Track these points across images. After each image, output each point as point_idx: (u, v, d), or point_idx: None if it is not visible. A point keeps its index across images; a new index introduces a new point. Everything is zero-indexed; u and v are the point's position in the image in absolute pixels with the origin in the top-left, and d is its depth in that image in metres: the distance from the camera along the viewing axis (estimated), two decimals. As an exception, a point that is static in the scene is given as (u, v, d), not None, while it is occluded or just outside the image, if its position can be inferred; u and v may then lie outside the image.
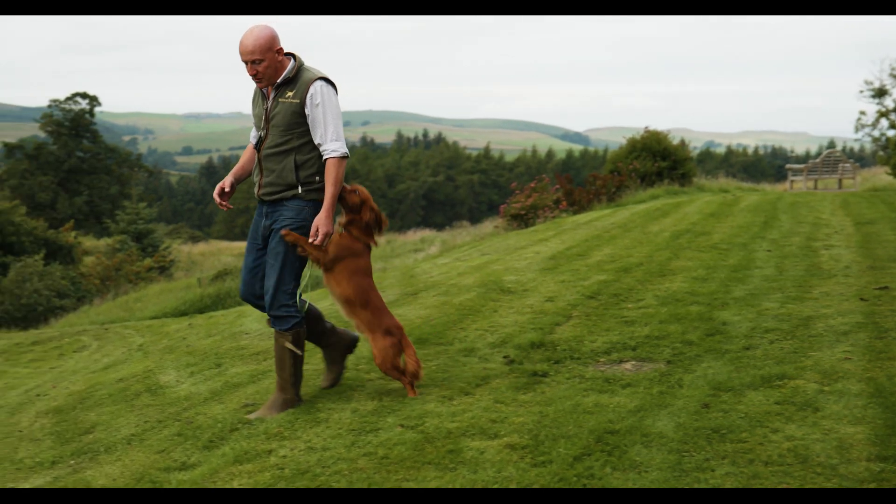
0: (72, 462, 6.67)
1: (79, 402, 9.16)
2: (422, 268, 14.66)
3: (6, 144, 74.01)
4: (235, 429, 6.32)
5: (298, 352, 6.73)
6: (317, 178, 6.65)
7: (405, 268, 16.70)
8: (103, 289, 38.62)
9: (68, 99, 74.83)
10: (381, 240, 35.14)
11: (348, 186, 6.71)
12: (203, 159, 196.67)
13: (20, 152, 72.57)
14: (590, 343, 7.73)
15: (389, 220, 7.67)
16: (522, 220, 22.94)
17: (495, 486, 4.79)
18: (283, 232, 6.52)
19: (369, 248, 6.88)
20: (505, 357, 7.44)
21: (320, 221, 6.47)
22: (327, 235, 6.50)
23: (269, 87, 6.66)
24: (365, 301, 6.69)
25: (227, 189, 6.86)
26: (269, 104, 6.65)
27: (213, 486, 5.12)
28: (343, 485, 4.91)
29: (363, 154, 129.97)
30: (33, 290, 33.75)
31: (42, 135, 75.90)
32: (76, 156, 73.23)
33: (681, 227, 14.65)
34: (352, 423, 6.03)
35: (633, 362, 7.10)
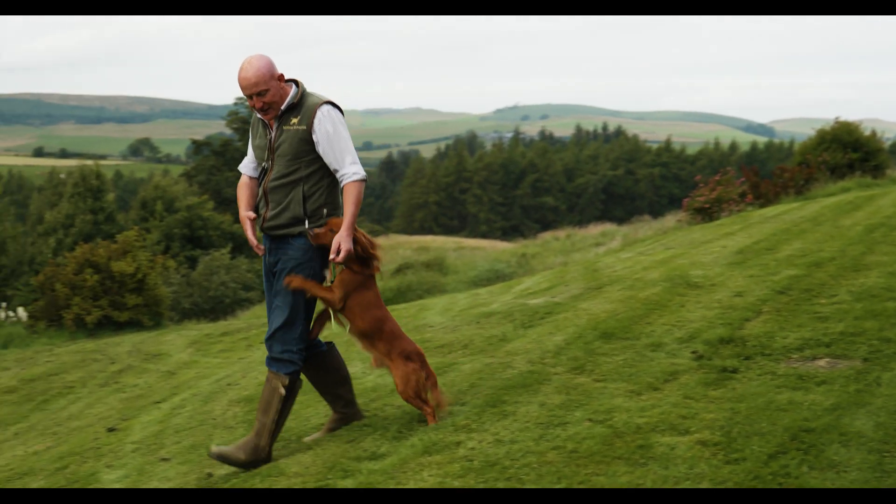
0: (265, 450, 6.83)
1: (269, 392, 9.37)
2: (604, 262, 14.53)
3: (194, 141, 76.45)
4: (423, 421, 6.37)
5: (289, 399, 6.50)
6: (324, 210, 6.44)
7: (587, 262, 16.60)
8: (288, 282, 39.49)
9: (253, 97, 76.74)
10: (560, 234, 34.89)
11: (321, 230, 6.33)
12: (383, 154, 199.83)
13: (207, 149, 74.77)
14: (781, 339, 7.52)
15: (569, 213, 7.47)
16: (706, 213, 22.51)
17: (687, 483, 4.70)
18: (285, 280, 6.31)
19: (373, 278, 6.61)
20: (693, 352, 7.30)
21: (341, 238, 6.21)
22: (349, 252, 6.24)
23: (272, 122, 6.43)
24: (380, 331, 6.49)
25: (252, 218, 6.58)
26: (273, 134, 6.39)
27: (403, 477, 5.16)
28: (532, 478, 4.88)
29: (542, 148, 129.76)
30: (220, 282, 34.69)
31: (228, 131, 78.07)
32: (261, 152, 75.10)
33: (875, 221, 14.13)
34: (539, 416, 6.00)
35: (828, 359, 6.87)
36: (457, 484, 4.85)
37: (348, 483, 5.18)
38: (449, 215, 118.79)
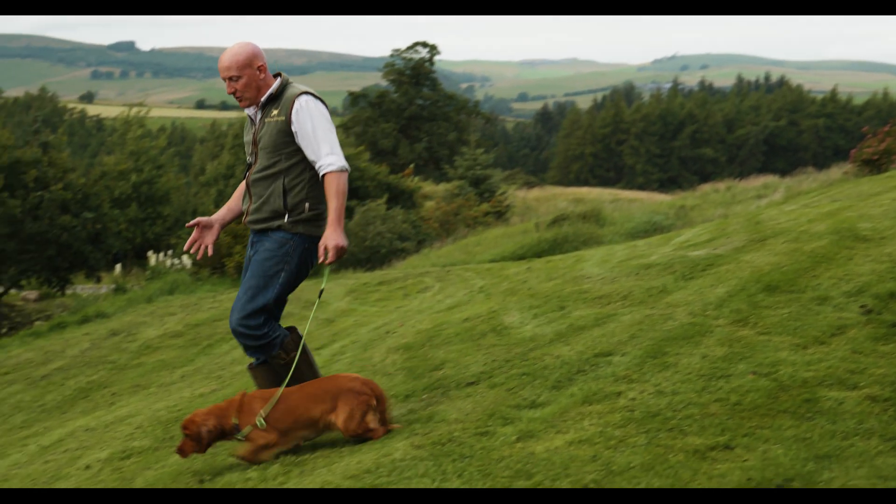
0: (424, 396, 6.89)
1: (427, 340, 9.45)
2: (767, 214, 14.19)
3: (351, 93, 77.43)
4: (582, 370, 6.33)
5: (298, 356, 6.37)
6: (306, 205, 6.26)
7: (749, 214, 16.25)
8: (442, 232, 39.77)
9: (409, 48, 77.19)
10: (720, 186, 34.15)
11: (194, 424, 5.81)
12: (538, 105, 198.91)
13: (364, 101, 75.64)
14: (955, 294, 7.24)
15: (728, 165, 7.21)
16: (875, 165, 21.77)
17: (856, 438, 4.57)
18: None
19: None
20: (862, 307, 7.07)
21: (328, 238, 5.97)
22: (341, 250, 5.97)
23: (257, 110, 6.37)
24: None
25: (205, 225, 6.53)
26: (256, 127, 6.36)
27: (564, 426, 5.13)
28: (694, 429, 4.80)
29: (701, 99, 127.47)
30: (377, 232, 35.07)
31: (384, 83, 78.74)
32: (416, 103, 75.50)
33: None
34: (701, 368, 5.90)
35: None
36: (618, 434, 4.80)
37: (508, 431, 5.18)
38: (605, 167, 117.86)
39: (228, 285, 26.80)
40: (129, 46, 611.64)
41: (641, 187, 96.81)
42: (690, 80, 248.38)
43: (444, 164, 64.16)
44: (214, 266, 28.68)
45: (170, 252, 36.50)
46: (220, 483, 5.59)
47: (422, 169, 69.79)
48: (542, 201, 58.29)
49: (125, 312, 22.78)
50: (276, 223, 6.26)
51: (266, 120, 6.28)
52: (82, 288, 38.48)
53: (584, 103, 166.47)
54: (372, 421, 5.77)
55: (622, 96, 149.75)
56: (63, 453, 8.51)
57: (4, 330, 29.60)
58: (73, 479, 7.18)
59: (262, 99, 6.30)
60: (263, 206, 6.28)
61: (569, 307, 9.11)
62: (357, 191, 45.14)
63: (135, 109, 56.72)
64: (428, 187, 57.23)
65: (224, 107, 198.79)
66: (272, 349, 6.33)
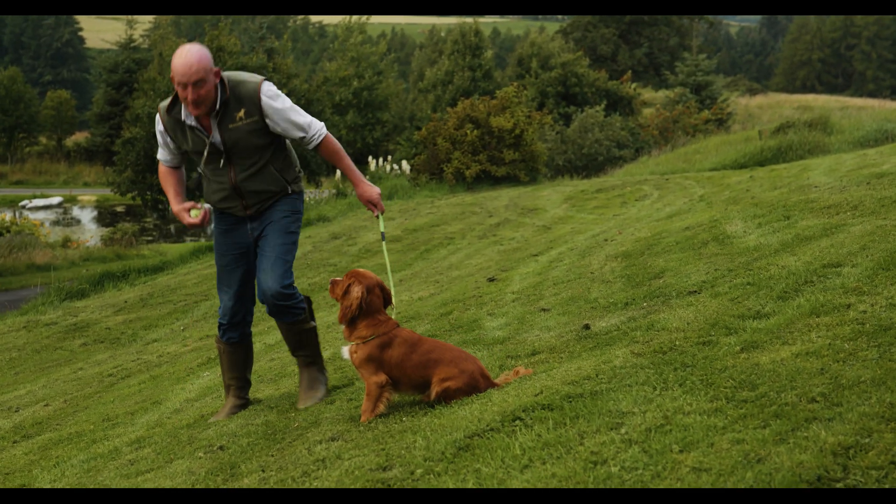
0: (644, 304, 6.82)
1: (646, 248, 9.35)
2: None
3: (572, -2, 76.54)
4: (810, 281, 6.12)
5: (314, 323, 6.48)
6: (297, 170, 6.28)
7: None
8: (661, 140, 39.17)
9: (632, -50, 75.62)
10: None
11: (339, 280, 5.49)
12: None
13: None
14: None
15: None
16: None
17: None
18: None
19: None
20: None
21: (368, 194, 6.05)
22: (380, 197, 6.10)
23: (205, 117, 5.89)
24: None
25: (188, 208, 6.08)
26: (218, 136, 5.91)
27: (790, 337, 4.99)
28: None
29: None
30: (594, 140, 34.85)
31: (604, -12, 77.45)
32: (637, 7, 74.10)
33: None
34: (938, 282, 5.62)
35: None
36: (847, 347, 4.64)
37: (731, 341, 5.07)
38: (833, 73, 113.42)
39: (446, 191, 27.12)
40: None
41: (872, 94, 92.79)
42: None
43: (665, 71, 62.97)
44: (432, 172, 29.03)
45: (389, 158, 37.10)
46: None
47: (641, 75, 68.71)
48: (766, 109, 56.66)
49: (345, 216, 23.38)
50: (281, 194, 6.21)
51: (231, 126, 5.90)
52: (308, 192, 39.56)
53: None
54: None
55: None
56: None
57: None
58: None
59: (217, 106, 5.87)
60: (263, 195, 6.14)
61: (795, 217, 8.85)
62: (575, 97, 44.84)
63: (356, 16, 57.49)
64: (647, 94, 56.38)
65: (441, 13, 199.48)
66: (301, 312, 6.29)
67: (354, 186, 6.16)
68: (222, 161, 5.98)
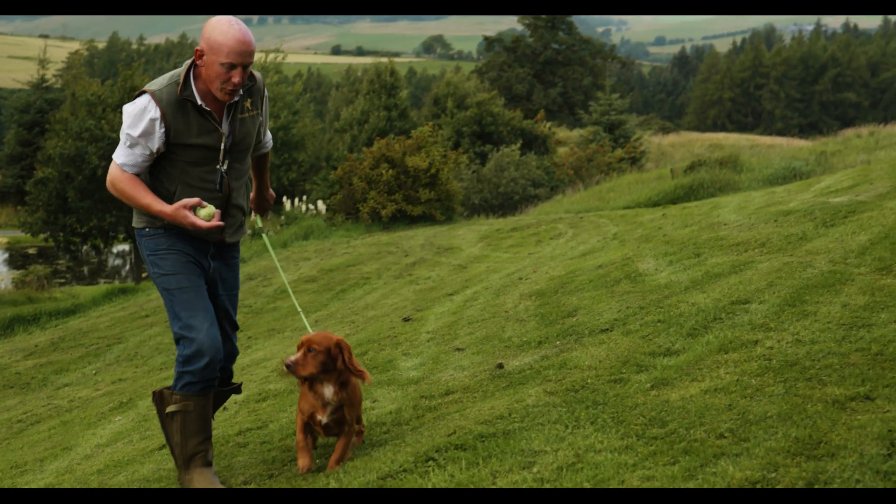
0: (557, 343, 6.87)
1: (560, 287, 9.41)
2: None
3: (486, 38, 77.30)
4: (718, 318, 6.22)
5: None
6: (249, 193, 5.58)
7: (893, 160, 15.81)
8: (576, 178, 39.53)
9: (547, -8, 76.60)
10: (863, 131, 33.29)
11: (298, 359, 4.80)
12: (676, 49, 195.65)
13: (499, 45, 75.46)
14: None
15: (871, 110, 6.97)
16: None
17: None
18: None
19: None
20: None
21: (272, 198, 5.80)
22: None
23: (215, 107, 5.01)
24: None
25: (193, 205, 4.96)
26: (233, 128, 5.08)
27: (699, 374, 5.06)
28: (834, 379, 4.67)
29: (845, 41, 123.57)
30: (510, 178, 35.06)
31: (519, 28, 78.25)
32: (552, 48, 74.82)
33: None
34: (842, 317, 5.74)
35: None
36: (754, 383, 4.71)
37: (642, 378, 5.13)
38: (743, 112, 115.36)
39: (362, 230, 27.10)
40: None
41: (780, 133, 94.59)
42: (834, 22, 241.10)
43: (579, 110, 63.58)
44: (348, 212, 29.02)
45: (304, 198, 37.01)
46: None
47: (556, 114, 69.35)
48: (678, 147, 57.50)
49: (261, 257, 23.22)
50: (241, 227, 5.43)
51: (240, 117, 5.09)
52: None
53: (722, 47, 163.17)
54: None
55: (762, 39, 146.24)
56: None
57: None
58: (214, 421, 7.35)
59: (242, 91, 5.09)
60: (238, 217, 5.37)
61: (705, 254, 8.99)
62: (490, 136, 45.08)
63: (272, 55, 57.45)
64: (562, 133, 56.88)
65: (359, 52, 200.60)
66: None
67: (266, 188, 5.76)
68: (226, 162, 5.11)
